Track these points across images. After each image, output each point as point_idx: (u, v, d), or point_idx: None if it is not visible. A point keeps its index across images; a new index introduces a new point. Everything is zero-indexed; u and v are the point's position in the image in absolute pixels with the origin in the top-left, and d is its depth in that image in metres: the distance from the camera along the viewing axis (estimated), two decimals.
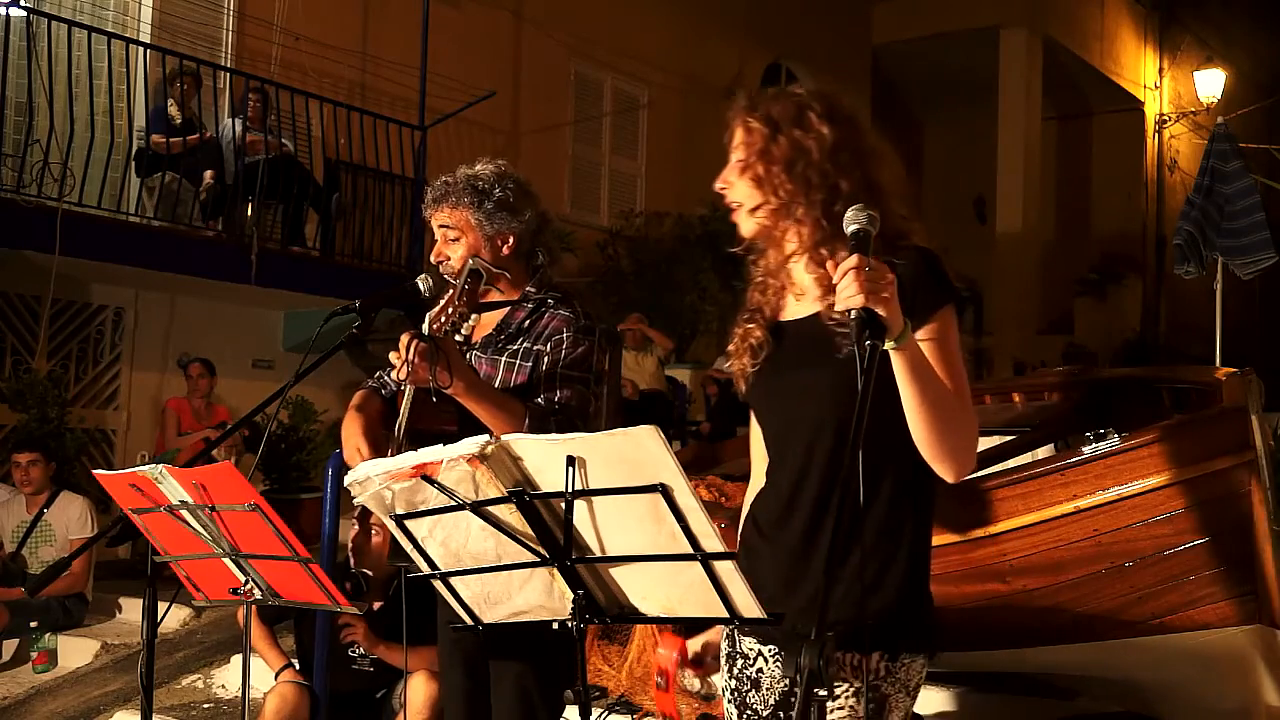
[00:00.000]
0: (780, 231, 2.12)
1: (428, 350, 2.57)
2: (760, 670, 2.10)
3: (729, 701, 2.15)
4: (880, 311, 1.77)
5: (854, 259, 1.79)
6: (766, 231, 2.14)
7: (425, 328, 2.62)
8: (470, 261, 2.71)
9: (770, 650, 2.09)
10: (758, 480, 2.21)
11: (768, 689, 2.09)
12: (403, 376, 2.60)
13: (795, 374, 2.10)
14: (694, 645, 2.29)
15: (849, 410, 1.77)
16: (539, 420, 2.69)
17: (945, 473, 1.96)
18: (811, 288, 2.11)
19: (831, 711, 1.96)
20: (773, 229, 2.13)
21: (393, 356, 2.63)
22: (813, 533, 2.04)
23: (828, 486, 2.02)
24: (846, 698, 1.98)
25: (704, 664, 2.28)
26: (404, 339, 2.59)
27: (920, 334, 1.94)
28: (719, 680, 2.20)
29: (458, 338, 2.76)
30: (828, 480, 2.02)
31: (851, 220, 1.91)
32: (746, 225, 2.14)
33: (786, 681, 2.06)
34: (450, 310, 2.64)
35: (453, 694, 2.98)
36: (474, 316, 2.84)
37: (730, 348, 2.23)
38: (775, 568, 2.06)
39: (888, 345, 1.81)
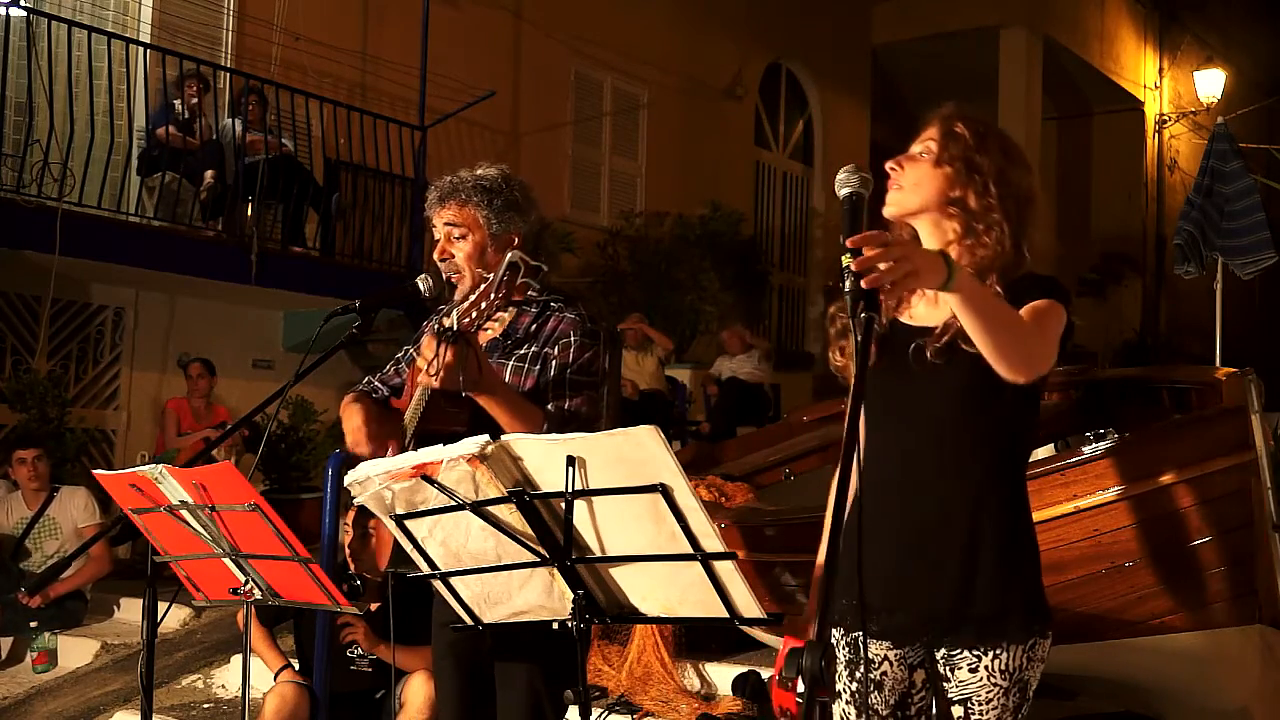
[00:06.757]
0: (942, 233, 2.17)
1: (459, 350, 2.51)
2: (884, 673, 2.17)
3: (847, 703, 2.20)
4: (917, 283, 1.82)
5: (874, 236, 1.77)
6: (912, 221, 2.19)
7: (454, 323, 2.56)
8: (510, 254, 2.67)
9: (896, 654, 2.17)
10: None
11: (890, 690, 2.17)
12: (431, 375, 2.53)
13: (909, 379, 2.14)
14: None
15: (961, 421, 2.04)
16: (557, 426, 2.66)
17: (1010, 376, 2.01)
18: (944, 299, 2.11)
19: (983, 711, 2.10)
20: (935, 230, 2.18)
21: (420, 360, 2.60)
22: (923, 534, 2.12)
23: (950, 488, 2.11)
24: (998, 697, 2.09)
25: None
26: (429, 339, 2.55)
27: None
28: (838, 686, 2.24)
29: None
30: (950, 481, 2.11)
31: (843, 183, 1.90)
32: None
33: (907, 683, 2.17)
34: (484, 305, 2.61)
35: (447, 696, 2.98)
36: (509, 310, 2.83)
37: (841, 346, 2.27)
38: (886, 565, 2.13)
39: (942, 291, 1.86)
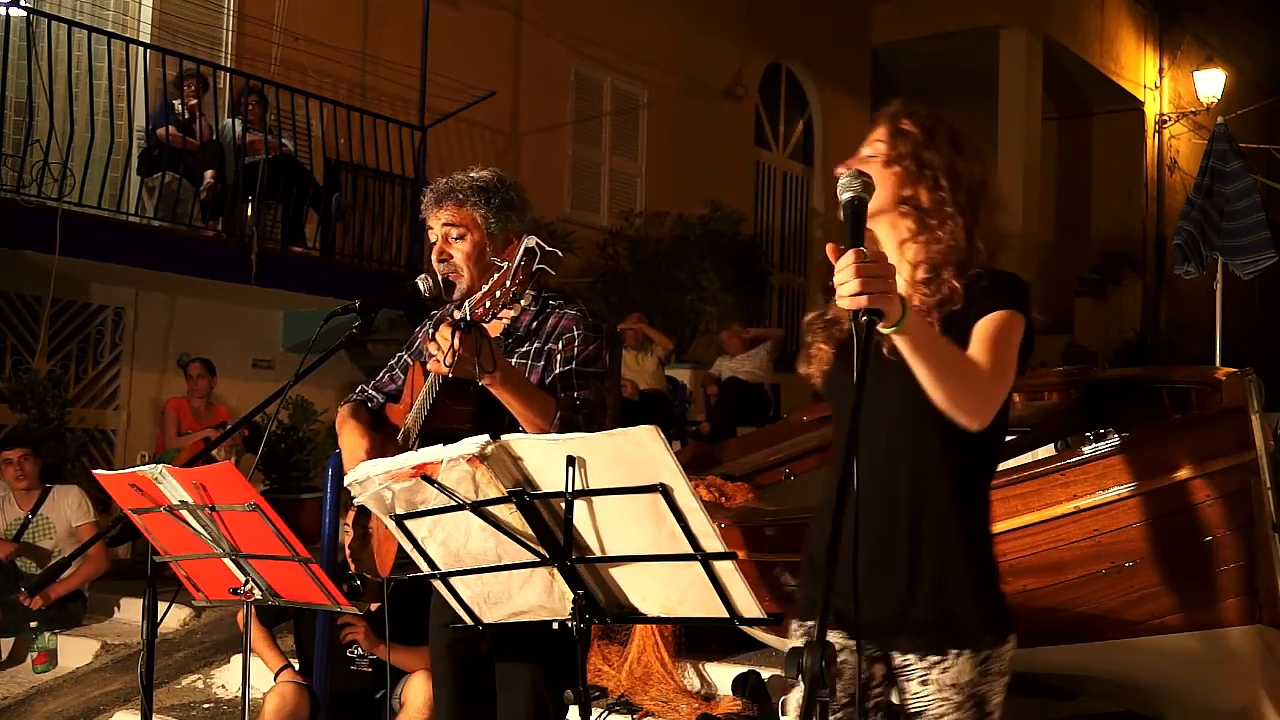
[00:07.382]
0: (898, 233, 2.17)
1: (473, 340, 2.52)
2: (845, 661, 2.13)
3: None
4: (883, 308, 1.78)
5: (851, 255, 1.77)
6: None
7: (466, 313, 2.57)
8: (527, 239, 2.67)
9: (852, 644, 2.13)
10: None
11: (849, 679, 2.13)
12: (446, 365, 2.53)
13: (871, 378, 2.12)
14: None
15: (919, 419, 1.97)
16: (569, 413, 2.67)
17: (965, 423, 1.98)
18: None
19: None
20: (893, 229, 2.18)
21: (431, 347, 2.59)
22: (877, 537, 2.09)
23: (897, 487, 2.10)
24: (951, 712, 2.05)
25: None
26: (444, 329, 2.55)
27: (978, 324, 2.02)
28: None
29: None
30: (896, 481, 2.10)
31: (845, 188, 1.89)
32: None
33: (866, 674, 2.14)
34: (499, 294, 2.61)
35: (445, 697, 2.97)
36: (528, 294, 2.83)
37: (808, 354, 2.34)
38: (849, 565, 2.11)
39: (887, 330, 1.83)
